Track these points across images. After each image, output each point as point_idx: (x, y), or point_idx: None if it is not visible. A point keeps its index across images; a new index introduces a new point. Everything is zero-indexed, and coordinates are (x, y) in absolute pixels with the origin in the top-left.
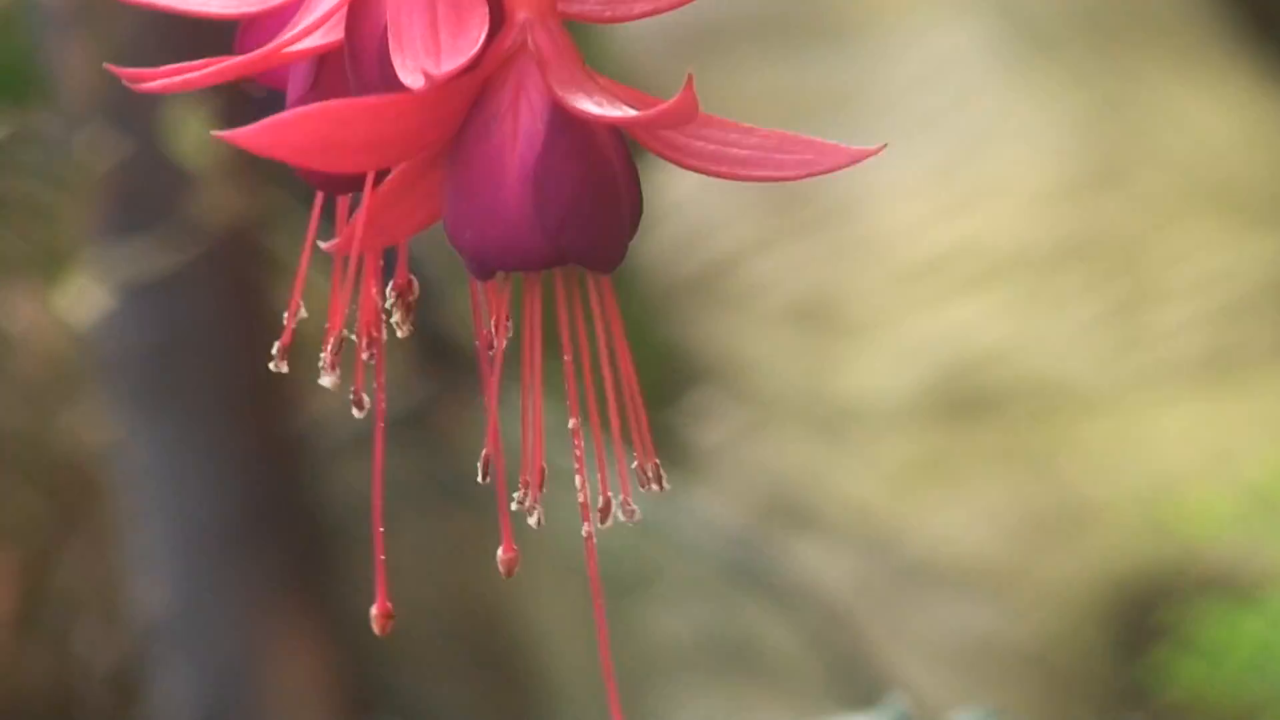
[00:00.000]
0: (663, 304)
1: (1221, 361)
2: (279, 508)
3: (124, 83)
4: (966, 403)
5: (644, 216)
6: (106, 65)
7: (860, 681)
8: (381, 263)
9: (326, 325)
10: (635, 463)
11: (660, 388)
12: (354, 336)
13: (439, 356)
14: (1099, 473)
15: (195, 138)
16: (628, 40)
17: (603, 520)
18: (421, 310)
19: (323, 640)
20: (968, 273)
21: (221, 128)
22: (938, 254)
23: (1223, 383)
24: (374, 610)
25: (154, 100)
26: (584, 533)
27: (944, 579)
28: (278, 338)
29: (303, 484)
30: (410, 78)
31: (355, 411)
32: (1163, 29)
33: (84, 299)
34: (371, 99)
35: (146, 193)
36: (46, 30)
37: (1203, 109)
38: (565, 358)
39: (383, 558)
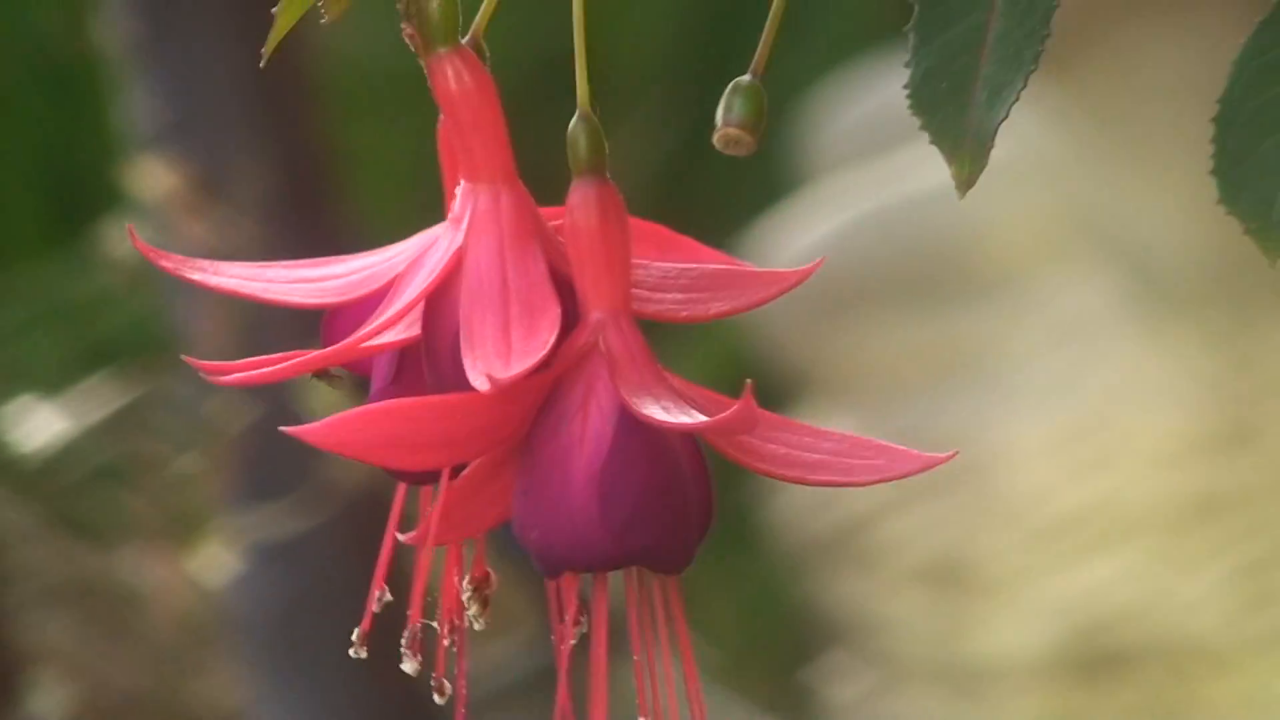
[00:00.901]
0: (795, 563)
1: None
2: None
3: (201, 372)
4: (1099, 662)
5: (715, 507)
6: (186, 359)
7: None
8: (464, 552)
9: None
10: None
11: (793, 647)
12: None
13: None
14: None
15: (326, 401)
16: None
17: None
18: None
19: None
20: (1100, 532)
21: (352, 390)
22: (1070, 514)
23: None
24: None
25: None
26: None
27: None
28: (408, 601)
29: None
30: (478, 380)
31: (436, 698)
32: None
33: (215, 562)
34: (440, 398)
35: (277, 456)
36: (174, 290)
37: None
38: (635, 658)
39: None
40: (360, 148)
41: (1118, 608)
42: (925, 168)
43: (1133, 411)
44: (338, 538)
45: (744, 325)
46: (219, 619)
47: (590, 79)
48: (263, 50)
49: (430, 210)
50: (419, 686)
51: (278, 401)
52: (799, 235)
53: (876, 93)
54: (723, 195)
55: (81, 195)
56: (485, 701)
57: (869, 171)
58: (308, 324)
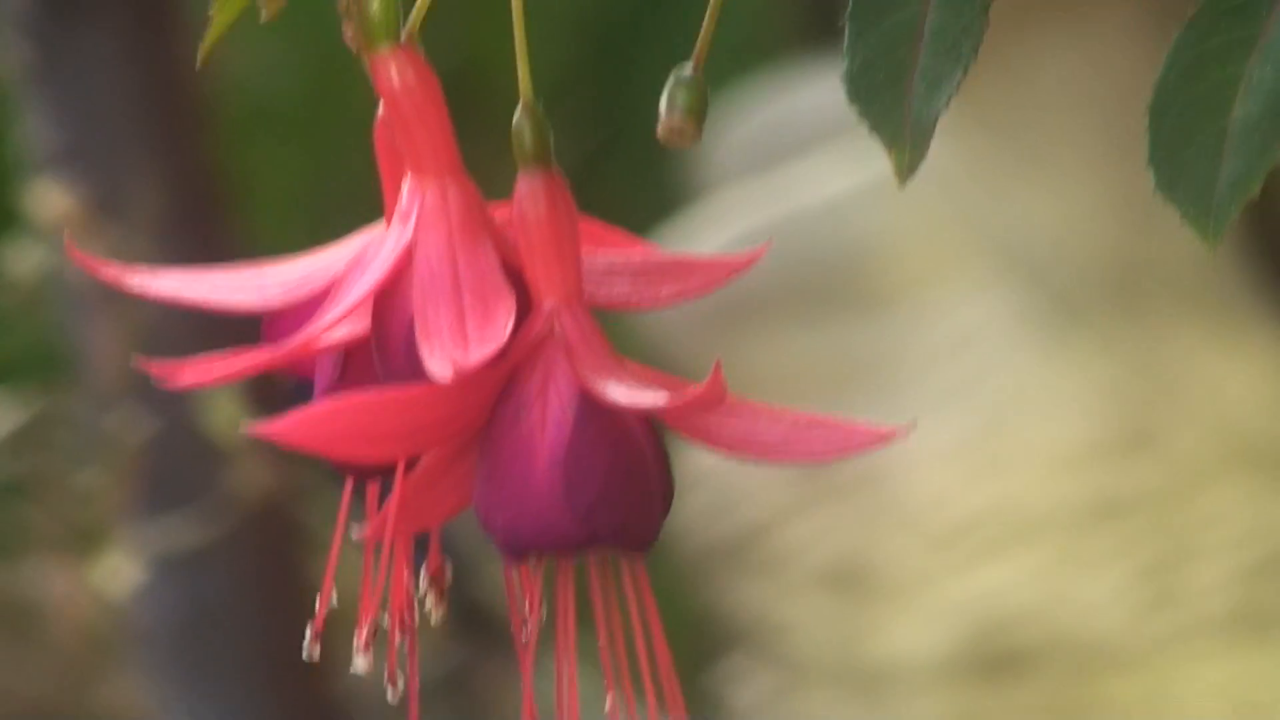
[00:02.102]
0: (695, 570)
1: (1252, 619)
2: None
3: (152, 375)
4: (999, 663)
5: (674, 485)
6: (135, 357)
7: None
8: (412, 547)
9: (359, 607)
10: None
11: (695, 653)
12: (385, 623)
13: (474, 623)
14: None
15: (225, 415)
16: (658, 312)
17: None
18: (456, 578)
19: None
20: (998, 536)
21: (251, 403)
22: (968, 518)
23: (1253, 639)
24: None
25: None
26: None
27: None
28: (310, 611)
29: None
30: (438, 369)
31: (390, 693)
32: (1189, 294)
33: (116, 574)
34: (401, 390)
35: (177, 470)
36: (72, 309)
37: (1231, 371)
38: (600, 640)
39: None
40: (252, 169)
41: (1018, 609)
42: (821, 179)
43: (1030, 418)
44: (239, 550)
45: (639, 335)
46: (122, 630)
47: (489, 94)
48: (195, 65)
49: (322, 228)
50: (323, 696)
51: (175, 417)
52: (696, 245)
53: (772, 105)
54: (619, 207)
55: None
56: (393, 706)
57: (765, 183)
58: (203, 341)
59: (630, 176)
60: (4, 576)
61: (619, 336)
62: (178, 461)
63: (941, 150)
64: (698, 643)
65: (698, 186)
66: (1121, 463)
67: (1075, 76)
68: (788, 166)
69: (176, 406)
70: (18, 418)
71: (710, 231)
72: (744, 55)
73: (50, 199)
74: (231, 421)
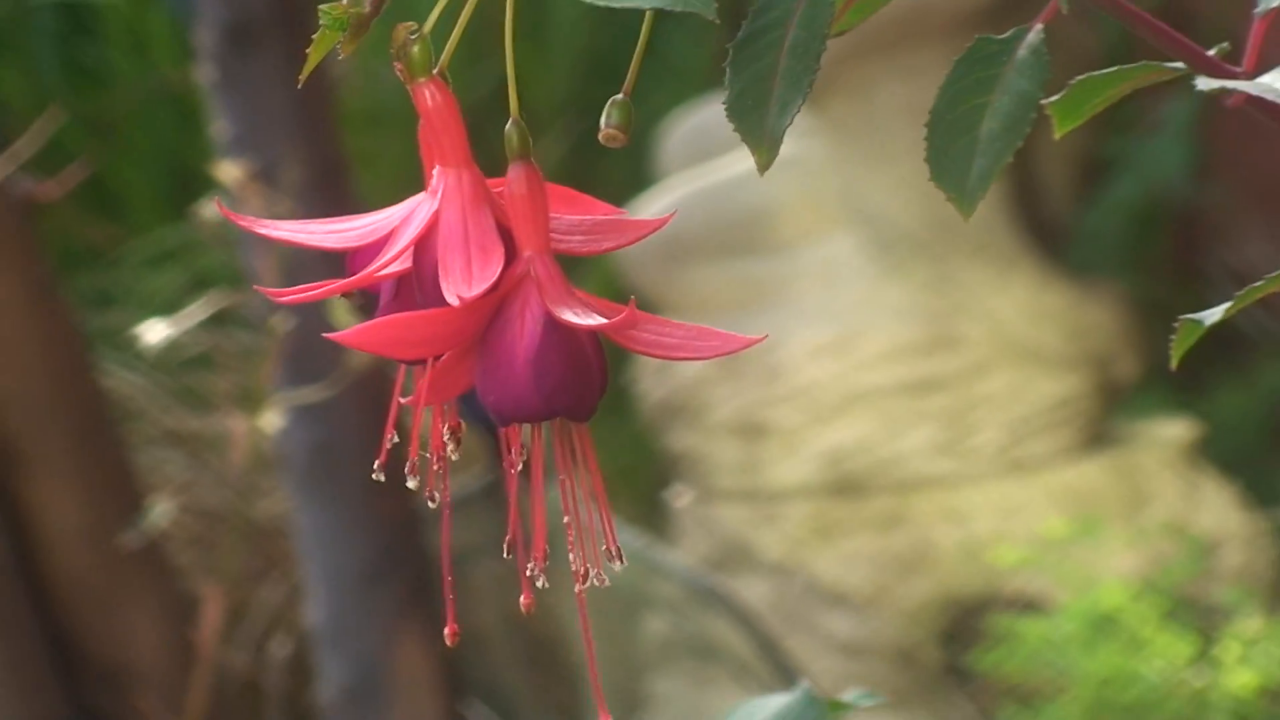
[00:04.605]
0: (652, 421)
1: (1016, 458)
2: (401, 554)
3: (265, 296)
4: (846, 485)
5: (636, 361)
6: (256, 286)
7: (780, 669)
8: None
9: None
10: (604, 545)
11: (652, 479)
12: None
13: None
14: (936, 530)
15: (341, 316)
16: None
17: (583, 583)
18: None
19: (431, 645)
20: (849, 402)
21: (360, 308)
22: (828, 388)
23: (1017, 472)
24: (445, 630)
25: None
26: (576, 591)
27: (832, 600)
28: (398, 446)
29: (418, 538)
30: (451, 297)
31: (429, 503)
32: (976, 244)
33: (270, 417)
34: (427, 311)
35: (311, 348)
36: (245, 245)
37: (1004, 295)
38: (560, 478)
39: (452, 597)
40: (365, 152)
41: (859, 449)
42: (732, 163)
43: (869, 325)
44: (351, 401)
45: (616, 266)
46: (273, 456)
47: (521, 101)
48: (299, 86)
49: (411, 192)
50: (407, 500)
51: (311, 316)
52: (650, 206)
53: (700, 115)
54: (610, 183)
55: (190, 181)
56: (451, 506)
57: (696, 169)
58: (329, 265)
59: (615, 165)
60: (197, 422)
61: (600, 264)
62: (310, 345)
63: (808, 146)
64: (654, 471)
65: (656, 170)
66: (929, 357)
67: (901, 95)
68: (711, 158)
69: (311, 310)
70: (210, 310)
71: (662, 196)
72: (683, 80)
73: (229, 171)
74: (347, 320)
